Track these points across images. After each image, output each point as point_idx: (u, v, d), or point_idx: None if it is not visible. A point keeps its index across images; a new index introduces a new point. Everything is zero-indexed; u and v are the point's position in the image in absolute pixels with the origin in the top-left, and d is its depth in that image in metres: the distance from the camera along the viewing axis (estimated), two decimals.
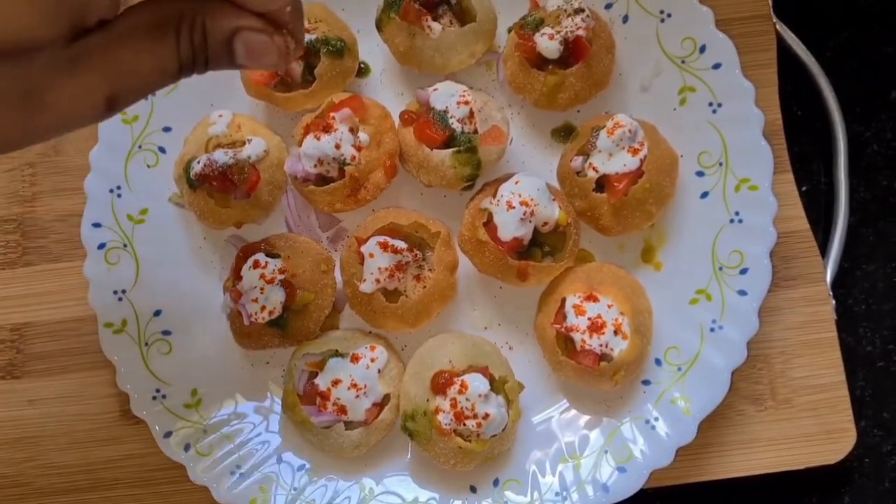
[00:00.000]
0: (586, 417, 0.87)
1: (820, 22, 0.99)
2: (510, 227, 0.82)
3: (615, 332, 0.82)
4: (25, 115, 0.45)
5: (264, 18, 0.50)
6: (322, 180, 0.86)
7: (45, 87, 0.44)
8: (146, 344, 0.88)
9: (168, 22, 0.48)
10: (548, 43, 0.85)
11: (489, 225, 0.84)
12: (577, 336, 0.82)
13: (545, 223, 0.84)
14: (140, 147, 0.91)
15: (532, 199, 0.82)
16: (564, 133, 0.92)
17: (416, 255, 0.84)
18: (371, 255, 0.83)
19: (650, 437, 0.84)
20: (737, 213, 0.86)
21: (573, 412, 0.88)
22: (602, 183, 0.85)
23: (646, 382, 0.86)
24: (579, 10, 0.86)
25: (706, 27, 0.87)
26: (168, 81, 0.49)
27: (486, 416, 0.80)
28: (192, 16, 0.48)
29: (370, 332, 0.89)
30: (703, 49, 0.88)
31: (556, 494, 0.84)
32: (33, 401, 0.93)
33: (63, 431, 0.92)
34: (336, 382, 0.83)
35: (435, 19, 0.88)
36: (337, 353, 0.85)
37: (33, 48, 0.43)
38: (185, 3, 0.48)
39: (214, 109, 0.90)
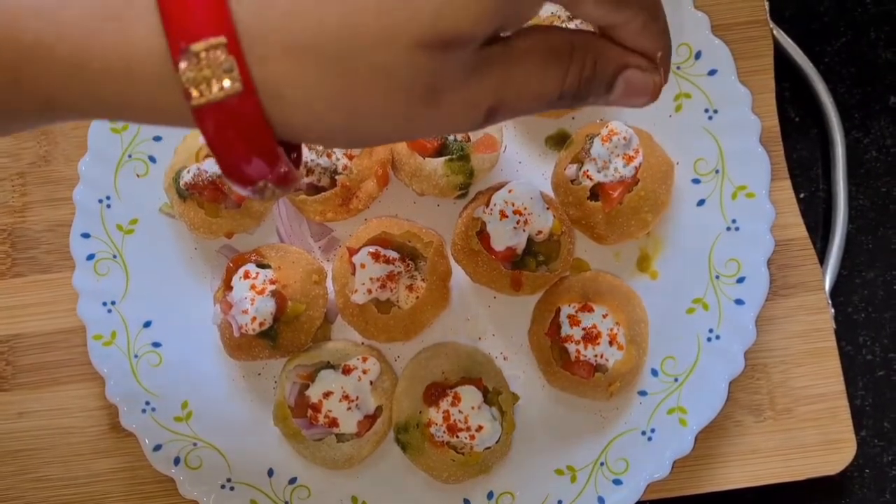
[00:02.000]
0: (582, 429, 0.86)
1: (817, 27, 0.98)
2: (503, 236, 0.81)
3: (610, 343, 0.80)
4: (418, 109, 0.43)
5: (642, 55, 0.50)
6: (313, 189, 0.85)
7: (447, 87, 0.43)
8: (136, 356, 0.87)
9: (563, 51, 0.47)
10: None
11: (482, 234, 0.83)
12: (571, 346, 0.80)
13: (539, 232, 0.82)
14: (130, 156, 0.90)
15: (525, 208, 0.81)
16: (559, 141, 0.91)
17: (408, 264, 0.83)
18: (362, 266, 0.82)
19: (647, 448, 0.83)
20: (734, 221, 0.85)
21: (568, 424, 0.86)
22: (597, 191, 0.84)
23: (642, 393, 0.85)
24: (573, 17, 0.85)
25: (701, 33, 0.86)
26: (541, 109, 0.48)
27: (480, 428, 0.79)
28: (584, 49, 0.47)
29: (362, 344, 0.87)
30: (698, 55, 0.87)
31: None
32: (23, 413, 0.92)
33: (53, 444, 0.91)
34: (327, 394, 0.81)
35: None
36: (328, 365, 0.84)
37: (459, 45, 0.42)
38: (577, 36, 0.48)
39: None
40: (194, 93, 0.41)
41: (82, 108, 0.45)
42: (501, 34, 0.46)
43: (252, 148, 0.43)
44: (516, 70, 0.45)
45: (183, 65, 0.40)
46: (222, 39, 0.40)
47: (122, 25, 0.42)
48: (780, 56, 0.94)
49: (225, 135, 0.42)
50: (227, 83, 0.40)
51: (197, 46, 0.40)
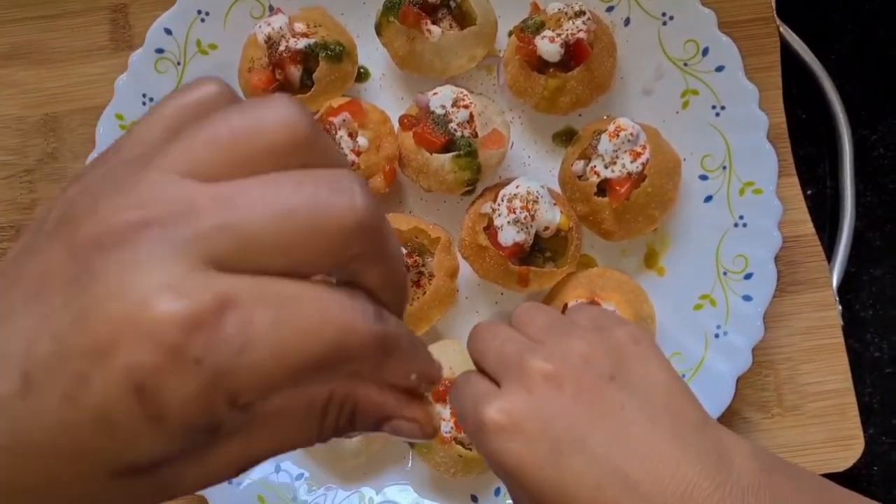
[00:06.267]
0: None
1: (824, 24, 0.98)
2: (511, 232, 0.81)
3: None
4: (157, 497, 0.39)
5: (414, 404, 0.43)
6: None
7: (178, 480, 0.37)
8: None
9: (316, 405, 0.41)
10: (548, 46, 0.84)
11: (489, 230, 0.83)
12: None
13: (546, 228, 0.82)
14: None
15: (533, 204, 0.81)
16: (566, 137, 0.91)
17: (415, 260, 0.83)
18: None
19: None
20: (741, 217, 0.85)
21: None
22: (604, 187, 0.84)
23: None
24: (580, 13, 0.85)
25: (709, 30, 0.86)
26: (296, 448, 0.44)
27: None
28: (341, 400, 0.41)
29: None
30: (705, 52, 0.87)
31: None
32: None
33: None
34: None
35: (434, 23, 0.87)
36: None
37: (164, 462, 0.36)
38: (335, 384, 0.41)
39: None
40: None
41: None
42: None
43: None
44: (260, 436, 0.39)
45: None
46: None
47: None
48: (787, 53, 0.94)
49: None
50: None
51: None
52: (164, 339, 0.31)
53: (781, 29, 0.93)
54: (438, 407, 0.81)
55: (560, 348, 0.52)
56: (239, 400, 0.34)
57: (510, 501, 0.84)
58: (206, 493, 0.84)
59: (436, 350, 0.84)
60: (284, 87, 0.89)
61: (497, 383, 0.52)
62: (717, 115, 0.86)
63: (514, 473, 0.49)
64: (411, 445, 0.82)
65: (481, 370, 0.54)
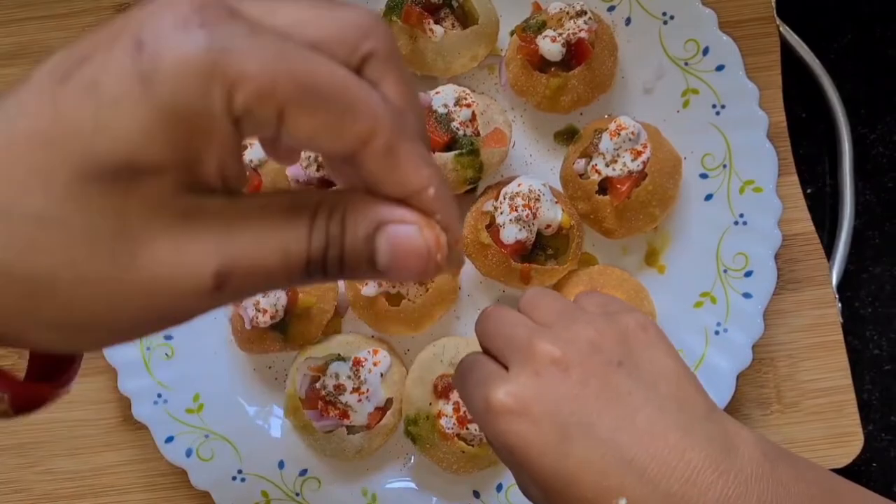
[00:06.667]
0: None
1: (824, 24, 0.99)
2: (513, 230, 0.82)
3: None
4: (111, 268, 0.34)
5: (412, 210, 0.39)
6: (325, 184, 0.86)
7: (145, 234, 0.34)
8: (148, 348, 0.88)
9: (305, 205, 0.38)
10: (550, 45, 0.85)
11: (492, 228, 0.83)
12: None
13: (548, 226, 0.83)
14: None
15: (534, 202, 0.82)
16: (567, 136, 0.92)
17: None
18: None
19: None
20: (741, 216, 0.86)
21: None
22: (605, 185, 0.84)
23: None
24: (581, 13, 0.86)
25: (709, 29, 0.87)
26: (291, 276, 0.39)
27: None
28: (332, 203, 0.39)
29: (373, 336, 0.88)
30: (706, 51, 0.87)
31: None
32: None
33: (64, 437, 0.92)
34: (338, 387, 0.82)
35: (437, 22, 0.88)
36: (339, 358, 0.84)
37: (137, 173, 0.33)
38: (325, 192, 0.40)
39: None
40: None
41: None
42: (227, 182, 0.37)
43: None
44: (244, 226, 0.37)
45: None
46: None
47: None
48: (787, 53, 0.95)
49: None
50: None
51: None
52: (174, 4, 0.33)
53: (781, 28, 0.94)
54: (441, 403, 0.81)
55: (568, 333, 0.52)
56: (236, 95, 0.34)
57: (512, 498, 0.85)
58: (210, 489, 0.85)
59: (437, 347, 0.85)
60: None
61: (504, 366, 0.52)
62: (718, 113, 0.87)
63: (520, 456, 0.49)
64: (414, 441, 0.82)
65: (488, 353, 0.55)
